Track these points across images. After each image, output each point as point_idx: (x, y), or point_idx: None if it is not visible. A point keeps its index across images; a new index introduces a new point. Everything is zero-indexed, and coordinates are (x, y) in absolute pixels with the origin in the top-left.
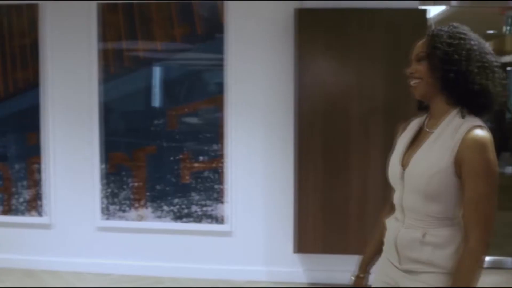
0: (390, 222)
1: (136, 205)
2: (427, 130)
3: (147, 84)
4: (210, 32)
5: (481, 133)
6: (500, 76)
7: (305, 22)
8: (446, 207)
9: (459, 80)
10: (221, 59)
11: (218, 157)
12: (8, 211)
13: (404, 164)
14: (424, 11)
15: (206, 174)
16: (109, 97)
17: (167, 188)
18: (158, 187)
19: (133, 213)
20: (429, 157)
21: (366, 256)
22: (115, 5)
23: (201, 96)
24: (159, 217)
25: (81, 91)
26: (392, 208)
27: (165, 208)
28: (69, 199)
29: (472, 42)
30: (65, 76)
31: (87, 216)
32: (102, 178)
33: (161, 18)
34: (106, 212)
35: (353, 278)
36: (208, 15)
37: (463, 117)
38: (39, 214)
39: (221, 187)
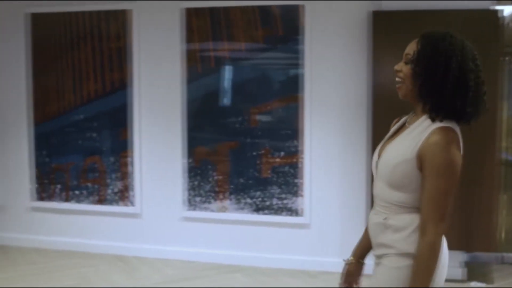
0: (371, 211)
1: (220, 197)
2: (407, 125)
3: (230, 83)
4: (290, 33)
5: (445, 133)
6: (477, 94)
7: (381, 23)
8: (409, 197)
9: (432, 95)
10: (300, 59)
11: (296, 153)
12: (102, 201)
13: (380, 155)
14: (498, 11)
15: (285, 168)
16: (194, 95)
17: (249, 182)
18: (240, 180)
19: (216, 204)
20: (397, 149)
21: (358, 244)
22: (201, 9)
23: (281, 95)
24: (241, 209)
25: (169, 90)
26: None
27: (247, 200)
28: (157, 190)
29: (454, 59)
30: (154, 76)
31: (173, 207)
32: (187, 172)
33: (244, 21)
34: (192, 203)
35: (344, 262)
36: (288, 17)
37: (432, 121)
38: (131, 204)
39: (300, 181)
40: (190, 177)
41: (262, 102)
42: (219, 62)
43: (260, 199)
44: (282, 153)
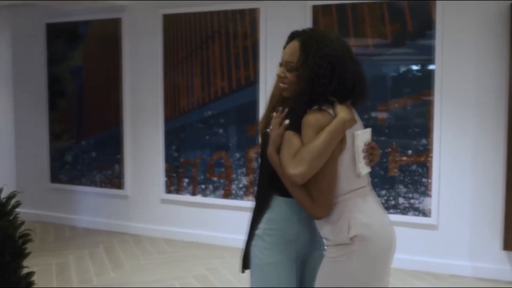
0: None
1: None
2: None
3: None
4: (420, 29)
5: (309, 115)
6: (358, 86)
7: None
8: None
9: (315, 94)
10: (431, 55)
11: (426, 151)
12: (228, 195)
13: None
14: None
15: (413, 167)
16: None
17: (375, 180)
18: None
19: None
20: None
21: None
22: (329, 6)
23: (410, 91)
24: None
25: None
26: None
27: None
28: None
29: (337, 63)
30: None
31: None
32: None
33: (373, 17)
34: None
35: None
36: (419, 13)
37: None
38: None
39: (428, 180)
40: None
41: (390, 99)
42: None
43: (386, 198)
44: (410, 152)
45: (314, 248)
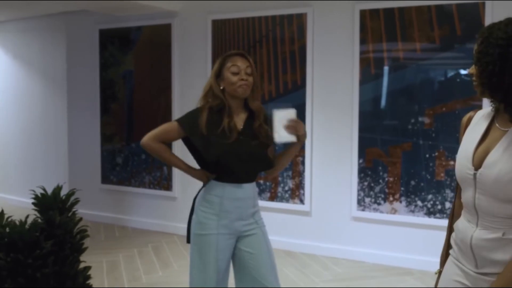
0: (462, 223)
1: (391, 198)
2: (498, 127)
3: (405, 84)
4: (470, 33)
5: None
6: None
7: None
8: None
9: (499, 92)
10: None
11: None
12: (274, 198)
13: (475, 164)
14: None
15: None
16: (368, 96)
17: (421, 184)
18: (412, 182)
19: (387, 206)
20: (506, 161)
21: (444, 252)
22: (376, 10)
23: (458, 96)
24: (412, 211)
25: (342, 91)
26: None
27: (419, 203)
28: (328, 189)
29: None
30: (327, 78)
31: (343, 206)
32: (359, 172)
33: (421, 21)
34: (362, 204)
35: (436, 274)
36: (468, 16)
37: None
38: (301, 202)
39: None
40: (360, 177)
41: (438, 104)
42: (393, 63)
43: (432, 202)
44: None
45: (248, 228)
